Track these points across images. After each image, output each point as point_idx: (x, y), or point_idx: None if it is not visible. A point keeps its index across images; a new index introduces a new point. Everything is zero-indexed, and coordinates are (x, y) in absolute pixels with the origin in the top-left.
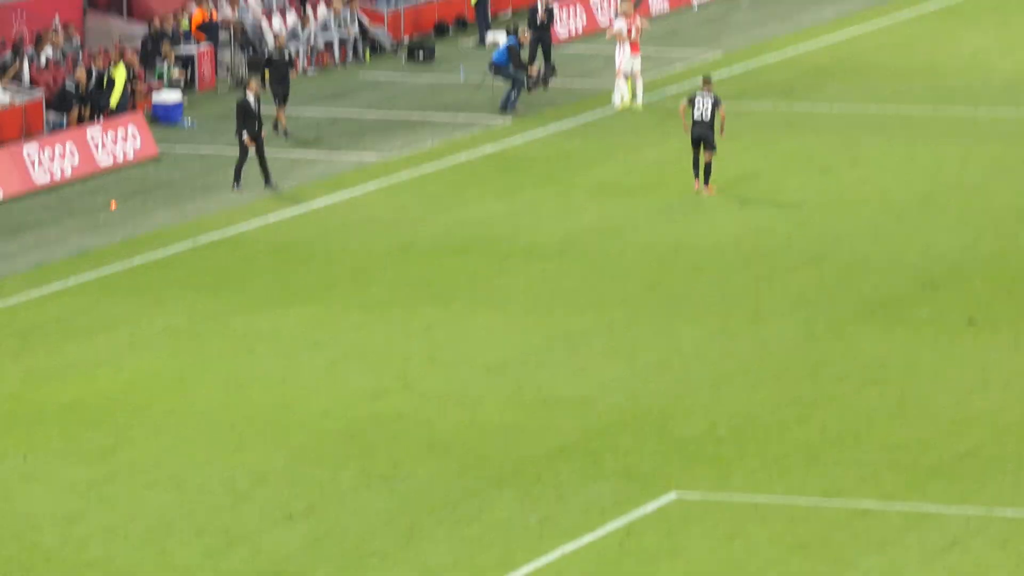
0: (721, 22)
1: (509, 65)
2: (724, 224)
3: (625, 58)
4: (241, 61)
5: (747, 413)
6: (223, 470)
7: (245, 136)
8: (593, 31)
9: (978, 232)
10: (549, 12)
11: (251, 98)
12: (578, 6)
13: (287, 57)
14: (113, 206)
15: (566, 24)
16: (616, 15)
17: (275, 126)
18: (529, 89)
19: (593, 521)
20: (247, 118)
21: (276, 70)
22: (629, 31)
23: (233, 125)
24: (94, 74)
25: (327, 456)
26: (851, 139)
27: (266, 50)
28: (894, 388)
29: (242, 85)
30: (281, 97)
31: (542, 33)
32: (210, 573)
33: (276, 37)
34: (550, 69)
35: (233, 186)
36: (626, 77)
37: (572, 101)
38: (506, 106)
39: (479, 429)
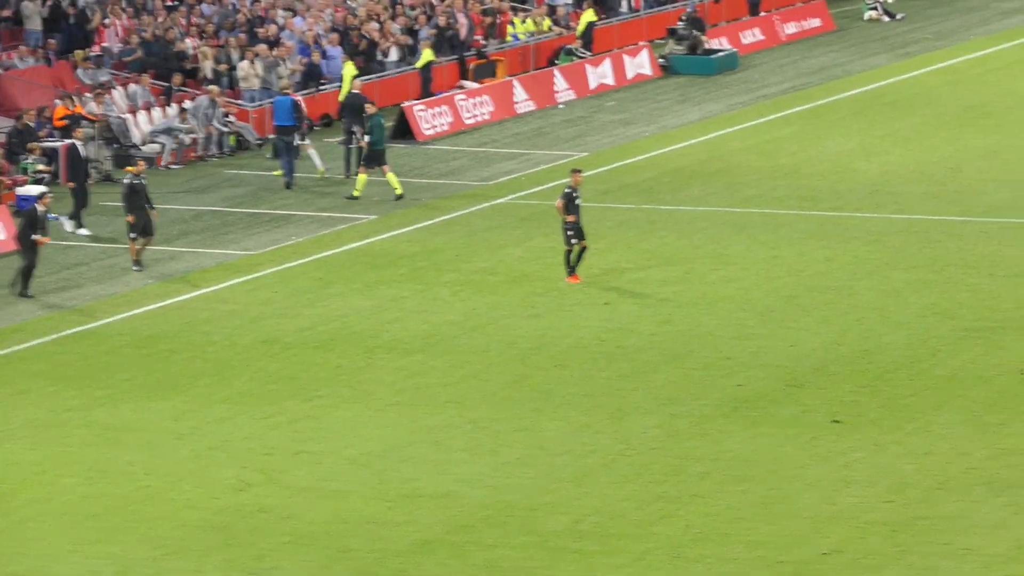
0: (587, 123)
1: (296, 124)
2: (587, 321)
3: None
4: (106, 156)
5: (611, 509)
6: (87, 561)
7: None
8: (459, 129)
9: (842, 332)
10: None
11: (40, 209)
12: (444, 105)
13: (144, 183)
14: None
15: (431, 122)
16: None
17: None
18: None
19: None
20: (30, 227)
21: (136, 198)
22: None
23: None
24: None
25: (191, 548)
26: (715, 239)
27: (125, 180)
28: (758, 485)
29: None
30: (140, 229)
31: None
32: None
33: (136, 163)
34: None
35: (23, 292)
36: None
37: (436, 198)
38: (291, 182)
39: (343, 522)
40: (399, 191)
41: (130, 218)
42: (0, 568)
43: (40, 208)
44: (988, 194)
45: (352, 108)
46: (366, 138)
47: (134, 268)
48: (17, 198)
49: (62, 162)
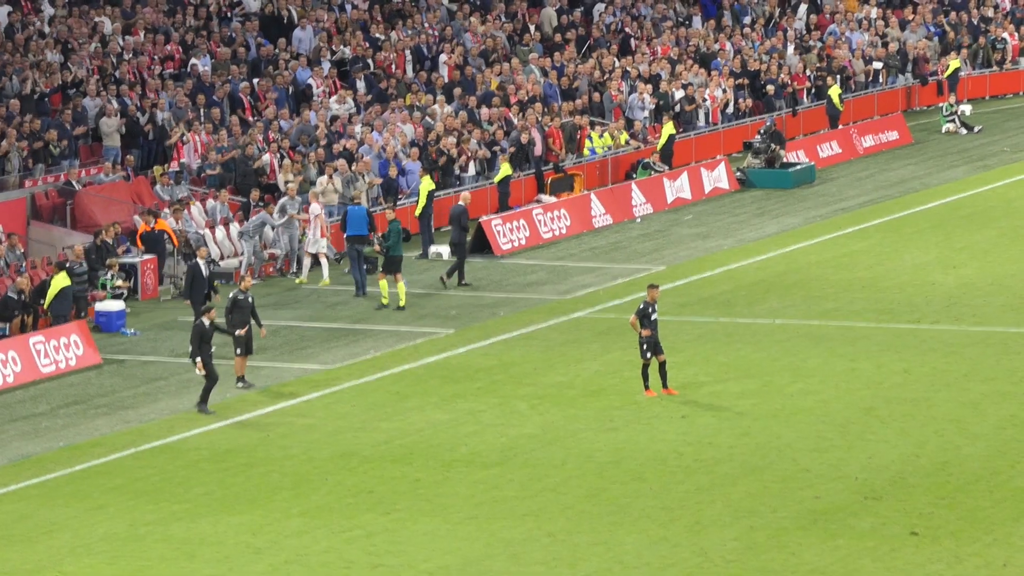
0: (664, 236)
1: (368, 233)
2: (665, 434)
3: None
4: (184, 271)
5: None
6: None
7: (199, 361)
8: (536, 243)
9: (920, 444)
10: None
11: (206, 322)
12: (521, 219)
13: (251, 300)
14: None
15: (508, 236)
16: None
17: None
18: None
19: None
20: (203, 342)
21: (240, 314)
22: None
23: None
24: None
25: None
26: (792, 352)
27: (230, 296)
28: None
29: (203, 311)
30: (244, 346)
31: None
32: None
33: (242, 279)
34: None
35: (199, 408)
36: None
37: (514, 312)
38: (363, 288)
39: None
40: (403, 303)
41: (239, 332)
42: None
43: (206, 321)
44: None
45: (458, 220)
46: (384, 244)
47: (238, 385)
48: (96, 314)
49: (140, 279)
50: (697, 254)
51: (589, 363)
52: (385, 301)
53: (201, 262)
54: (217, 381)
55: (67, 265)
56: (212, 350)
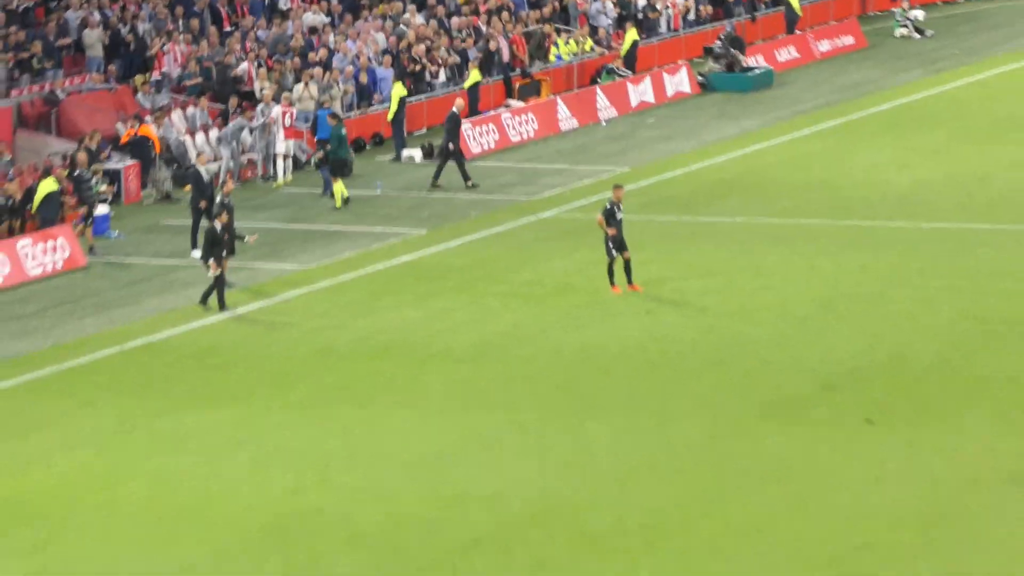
0: (628, 139)
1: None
2: (631, 330)
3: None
4: (166, 176)
5: (654, 508)
6: (150, 564)
7: (211, 263)
8: (505, 146)
9: (876, 338)
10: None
11: (218, 226)
12: (491, 123)
13: (231, 204)
14: (252, 240)
15: (478, 140)
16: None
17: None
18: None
19: None
20: (214, 245)
21: (230, 217)
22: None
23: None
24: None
25: (250, 550)
26: (752, 250)
27: (217, 200)
28: (794, 484)
29: (206, 213)
30: (230, 247)
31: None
32: None
33: (224, 184)
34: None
35: (202, 305)
36: (283, 158)
37: (485, 212)
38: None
39: (396, 523)
40: (338, 205)
41: (248, 238)
42: (69, 570)
43: (218, 225)
44: (1017, 203)
45: (453, 124)
46: (326, 150)
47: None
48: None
49: (124, 183)
50: (660, 156)
51: (557, 262)
52: (339, 204)
53: (201, 168)
54: (226, 283)
55: (75, 173)
56: (224, 253)
